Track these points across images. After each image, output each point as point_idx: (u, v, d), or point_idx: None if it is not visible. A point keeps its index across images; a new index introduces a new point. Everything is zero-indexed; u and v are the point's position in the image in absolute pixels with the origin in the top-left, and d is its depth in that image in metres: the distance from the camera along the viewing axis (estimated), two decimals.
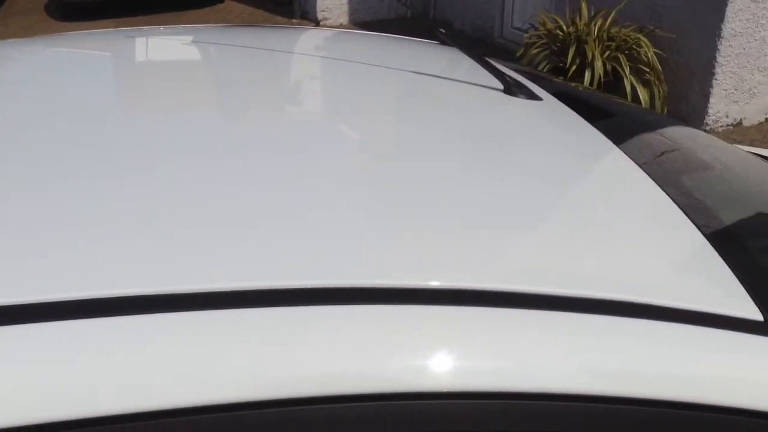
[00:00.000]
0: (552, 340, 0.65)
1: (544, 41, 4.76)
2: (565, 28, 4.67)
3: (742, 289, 0.73)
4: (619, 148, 1.06)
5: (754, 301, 0.72)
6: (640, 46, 4.46)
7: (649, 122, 1.55)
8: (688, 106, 4.57)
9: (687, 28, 4.46)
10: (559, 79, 1.79)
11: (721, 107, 4.49)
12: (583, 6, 4.71)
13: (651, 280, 0.74)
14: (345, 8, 7.10)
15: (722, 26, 4.25)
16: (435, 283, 0.67)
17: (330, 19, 7.11)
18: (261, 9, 7.55)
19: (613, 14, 4.63)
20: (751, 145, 4.31)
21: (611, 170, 1.02)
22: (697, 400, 0.64)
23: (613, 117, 1.47)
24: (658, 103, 4.44)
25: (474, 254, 0.74)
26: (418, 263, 0.70)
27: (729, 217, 1.01)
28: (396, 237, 0.75)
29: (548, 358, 0.63)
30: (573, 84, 1.75)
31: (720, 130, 4.53)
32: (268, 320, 0.61)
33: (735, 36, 4.29)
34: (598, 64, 4.38)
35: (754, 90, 4.51)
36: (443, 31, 1.38)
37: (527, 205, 0.87)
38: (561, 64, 4.54)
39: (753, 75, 4.46)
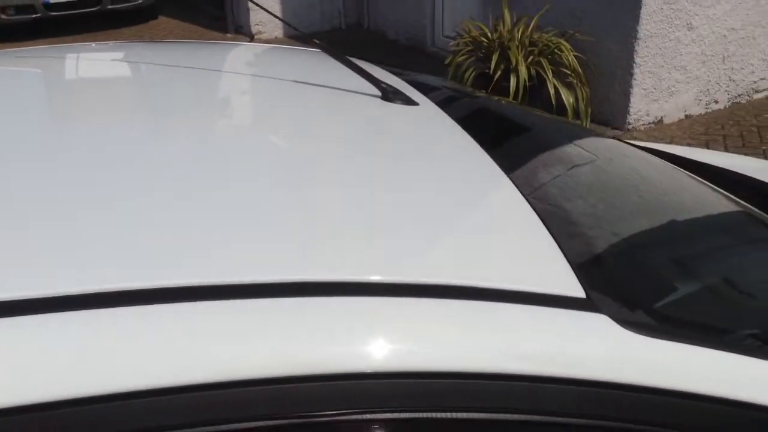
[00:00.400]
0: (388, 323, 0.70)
1: (470, 48, 4.86)
2: (489, 34, 4.77)
3: (571, 271, 0.78)
4: (485, 148, 1.11)
5: (579, 280, 0.76)
6: (562, 51, 4.59)
7: (528, 123, 1.61)
8: (611, 106, 4.71)
9: (605, 32, 4.61)
10: (480, 92, 1.83)
11: (641, 106, 4.64)
12: (506, 13, 4.82)
13: (490, 266, 0.80)
14: (279, 22, 7.12)
15: (638, 28, 4.40)
16: (277, 278, 0.71)
17: (265, 32, 7.12)
18: (195, 24, 7.52)
19: (535, 20, 4.75)
20: (671, 141, 4.47)
21: (470, 169, 1.06)
22: (526, 371, 0.69)
23: (488, 119, 1.53)
24: (581, 104, 4.57)
25: (320, 250, 0.77)
26: (267, 259, 0.75)
27: (573, 207, 1.07)
28: (257, 235, 0.79)
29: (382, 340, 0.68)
30: (469, 89, 1.80)
31: (642, 128, 4.68)
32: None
33: (650, 37, 4.44)
34: (522, 69, 4.49)
35: (673, 88, 4.68)
36: (317, 41, 1.42)
37: (383, 202, 0.91)
38: (487, 71, 4.64)
39: (670, 74, 4.63)
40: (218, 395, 0.62)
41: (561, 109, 4.56)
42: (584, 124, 4.59)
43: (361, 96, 1.28)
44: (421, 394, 0.67)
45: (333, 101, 1.30)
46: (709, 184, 1.51)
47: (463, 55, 4.85)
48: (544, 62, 4.54)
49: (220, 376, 0.62)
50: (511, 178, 1.01)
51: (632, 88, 4.56)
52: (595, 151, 1.46)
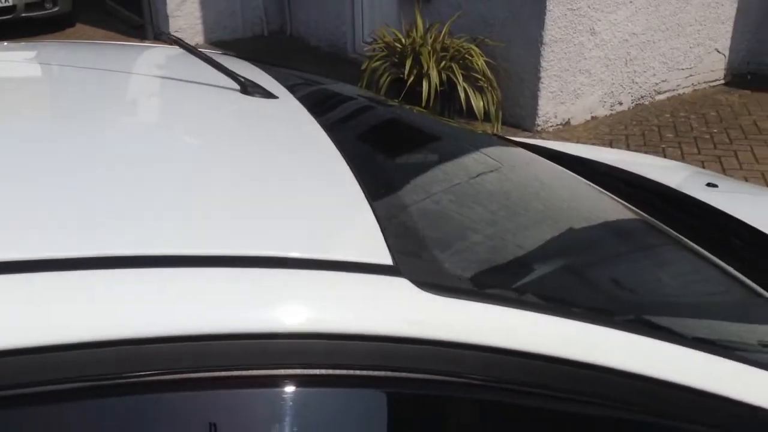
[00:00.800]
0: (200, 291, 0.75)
1: (384, 54, 4.95)
2: (403, 40, 4.87)
3: (384, 242, 0.86)
4: (331, 135, 1.18)
5: (389, 251, 0.85)
6: (472, 56, 4.72)
7: (379, 112, 1.70)
8: (521, 109, 4.87)
9: (514, 37, 4.76)
10: (352, 87, 1.92)
11: (549, 108, 4.81)
12: (418, 19, 4.93)
13: (312, 238, 0.87)
14: (199, 28, 7.08)
15: (543, 33, 4.56)
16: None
17: (185, 39, 7.04)
18: (113, 32, 7.39)
19: (447, 26, 4.87)
20: (577, 142, 4.65)
21: (310, 155, 1.13)
22: (326, 330, 0.76)
23: (344, 110, 1.61)
24: (492, 108, 4.71)
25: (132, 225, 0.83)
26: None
27: (398, 187, 1.17)
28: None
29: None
30: (342, 86, 1.87)
31: (550, 130, 4.85)
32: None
33: (555, 42, 4.62)
34: (434, 74, 4.60)
35: (578, 91, 4.87)
36: (172, 35, 1.47)
37: (214, 183, 0.98)
38: (401, 75, 4.73)
39: (576, 77, 4.81)
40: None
41: (472, 112, 4.70)
42: (495, 126, 4.74)
43: (222, 90, 1.34)
44: (201, 353, 0.72)
45: (193, 95, 1.35)
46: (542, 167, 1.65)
47: (378, 60, 4.93)
48: (455, 67, 4.67)
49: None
50: (349, 162, 1.07)
51: (540, 91, 4.72)
52: (433, 134, 1.58)
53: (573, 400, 0.83)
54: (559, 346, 0.82)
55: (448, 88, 4.71)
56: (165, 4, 6.88)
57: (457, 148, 1.57)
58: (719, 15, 5.29)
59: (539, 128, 4.81)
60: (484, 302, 0.83)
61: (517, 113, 4.90)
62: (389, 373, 0.77)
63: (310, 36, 6.97)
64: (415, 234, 1.02)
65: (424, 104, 4.55)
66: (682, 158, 4.39)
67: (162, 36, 7.17)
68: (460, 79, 4.63)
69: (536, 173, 1.65)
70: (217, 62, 1.34)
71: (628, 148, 4.53)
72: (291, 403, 0.77)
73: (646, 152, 4.29)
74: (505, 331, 0.81)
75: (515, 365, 0.80)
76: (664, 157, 4.31)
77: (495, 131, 4.62)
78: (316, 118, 1.24)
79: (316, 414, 0.79)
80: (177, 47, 1.45)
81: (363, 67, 5.03)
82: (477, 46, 4.81)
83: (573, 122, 4.92)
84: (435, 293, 0.80)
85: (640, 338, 0.89)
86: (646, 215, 1.58)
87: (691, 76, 5.36)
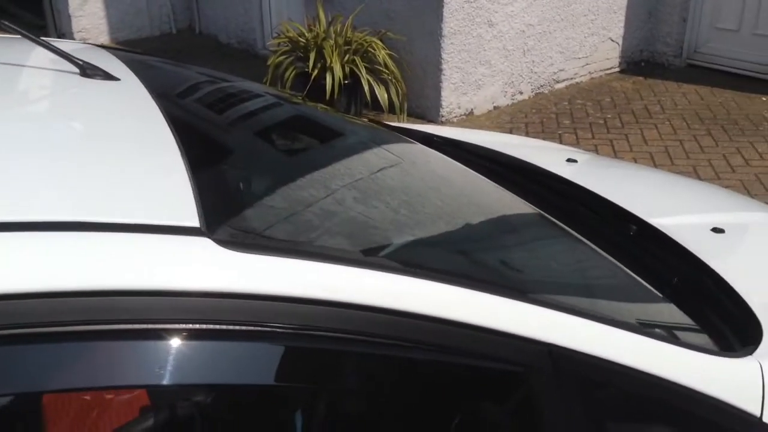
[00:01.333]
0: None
1: (288, 48, 4.97)
2: (306, 34, 4.90)
3: (195, 205, 0.92)
4: (167, 112, 1.22)
5: (198, 213, 0.91)
6: (375, 49, 4.80)
7: (220, 90, 1.76)
8: (426, 101, 4.98)
9: (415, 30, 4.86)
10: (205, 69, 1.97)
11: (452, 99, 4.93)
12: (321, 13, 4.97)
13: (124, 202, 0.93)
14: (104, 28, 6.92)
15: (442, 26, 4.68)
16: None
17: (89, 39, 6.88)
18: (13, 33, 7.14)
19: (350, 20, 4.93)
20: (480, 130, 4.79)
21: (141, 131, 1.17)
22: (145, 287, 0.82)
23: (186, 90, 1.66)
24: (397, 100, 4.80)
25: None
26: None
27: (221, 156, 1.24)
28: None
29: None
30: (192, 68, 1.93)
31: (455, 120, 4.98)
32: None
33: (454, 34, 4.74)
34: (337, 68, 4.65)
35: (480, 82, 5.01)
36: (8, 24, 1.47)
37: (39, 156, 1.02)
38: (306, 70, 4.76)
39: (476, 69, 4.95)
40: None
41: (378, 105, 4.77)
42: (400, 118, 4.83)
43: (62, 74, 1.36)
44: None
45: (32, 79, 1.38)
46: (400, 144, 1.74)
47: (282, 55, 4.95)
48: (358, 60, 4.73)
49: None
50: (176, 135, 1.12)
51: (442, 83, 4.84)
52: (270, 110, 1.65)
53: (366, 342, 0.91)
54: (354, 293, 0.89)
55: (352, 82, 4.77)
56: (67, 4, 6.70)
57: (293, 124, 1.64)
58: (611, 5, 5.53)
59: (444, 119, 4.93)
60: (283, 257, 0.89)
61: (422, 104, 5.00)
62: (192, 326, 0.83)
63: (219, 33, 6.91)
64: (229, 200, 1.09)
65: (328, 97, 4.60)
66: (577, 143, 4.58)
67: (65, 37, 6.92)
68: (364, 72, 4.70)
69: (372, 147, 1.73)
70: (57, 48, 1.36)
71: (527, 135, 4.70)
72: (104, 355, 0.82)
73: (544, 139, 4.46)
74: (305, 282, 0.87)
75: (315, 313, 0.87)
76: (560, 142, 4.50)
77: (399, 122, 4.71)
78: (153, 96, 1.28)
79: (123, 366, 0.83)
80: (21, 37, 1.45)
81: (269, 62, 5.04)
82: (380, 39, 4.88)
83: (476, 112, 5.06)
84: (237, 251, 0.86)
85: (420, 281, 0.96)
86: (464, 166, 1.70)
87: (587, 65, 5.59)
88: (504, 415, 1.06)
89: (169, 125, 1.14)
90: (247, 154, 1.36)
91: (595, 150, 4.46)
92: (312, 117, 1.80)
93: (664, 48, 5.83)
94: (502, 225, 1.57)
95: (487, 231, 1.49)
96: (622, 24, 5.66)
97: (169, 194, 0.97)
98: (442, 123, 4.89)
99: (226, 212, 1.02)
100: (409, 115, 4.97)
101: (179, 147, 1.07)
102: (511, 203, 1.67)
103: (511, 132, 4.74)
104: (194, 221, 0.89)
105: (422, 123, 4.79)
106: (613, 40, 5.67)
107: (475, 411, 1.05)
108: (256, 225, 1.06)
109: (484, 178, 1.73)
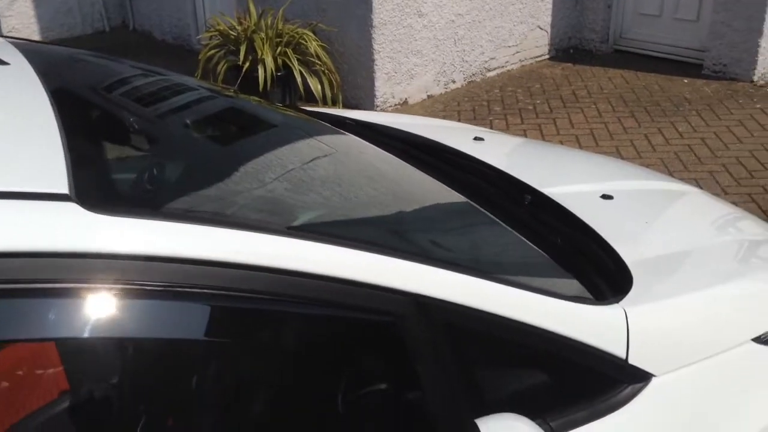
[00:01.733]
0: None
1: (219, 42, 4.97)
2: (236, 27, 4.91)
3: (67, 174, 0.96)
4: (53, 93, 1.25)
5: (68, 181, 0.95)
6: (306, 41, 4.83)
7: (125, 73, 1.80)
8: (360, 91, 5.04)
9: (347, 21, 4.91)
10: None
11: (386, 89, 5.00)
12: (251, 6, 4.98)
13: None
14: (35, 27, 6.78)
15: (372, 17, 4.74)
16: None
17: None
18: None
19: (280, 12, 4.96)
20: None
21: (23, 107, 1.21)
22: (13, 249, 0.85)
23: (78, 74, 1.69)
24: (329, 91, 4.85)
25: None
26: None
27: (98, 131, 1.30)
28: None
29: None
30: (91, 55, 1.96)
31: (390, 109, 5.05)
32: None
33: (385, 24, 4.81)
34: (269, 60, 4.68)
35: (413, 72, 5.09)
36: None
37: None
38: (238, 62, 4.77)
39: (408, 58, 5.03)
40: None
41: (312, 96, 4.81)
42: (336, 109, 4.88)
43: None
44: None
45: None
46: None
47: (213, 48, 4.95)
48: (290, 52, 4.76)
49: None
50: (57, 112, 1.16)
51: (375, 73, 4.90)
52: (161, 91, 1.71)
53: (236, 297, 0.96)
54: (230, 253, 0.95)
55: (285, 74, 4.80)
56: None
57: (184, 103, 1.69)
58: None
59: (378, 109, 4.99)
60: (147, 219, 0.93)
61: (357, 95, 5.06)
62: (58, 285, 0.87)
63: (154, 29, 6.85)
64: (103, 170, 1.13)
65: (261, 89, 4.62)
66: (507, 128, 4.70)
67: None
68: (296, 63, 4.74)
69: (276, 125, 1.78)
70: None
71: (459, 121, 4.79)
72: None
73: (475, 125, 4.56)
74: (172, 242, 0.92)
75: (182, 270, 0.92)
76: (491, 128, 4.61)
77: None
78: (41, 78, 1.30)
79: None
80: None
81: (200, 56, 5.03)
82: (312, 31, 4.92)
83: (410, 101, 5.14)
84: (104, 214, 0.90)
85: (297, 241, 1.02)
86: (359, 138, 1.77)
87: (518, 52, 5.72)
88: (379, 360, 1.13)
89: (51, 103, 1.18)
90: (131, 130, 1.41)
91: (524, 135, 4.59)
92: (207, 96, 1.84)
93: (591, 35, 6.01)
94: (401, 196, 1.64)
95: (382, 202, 1.55)
96: (549, 12, 5.81)
97: (43, 165, 1.01)
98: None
99: (99, 181, 1.06)
100: (345, 105, 5.02)
101: (58, 123, 1.10)
102: (411, 174, 1.74)
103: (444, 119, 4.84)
104: (62, 188, 0.93)
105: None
106: (541, 28, 5.81)
107: (354, 358, 1.12)
108: (128, 192, 1.10)
109: (383, 150, 1.79)
